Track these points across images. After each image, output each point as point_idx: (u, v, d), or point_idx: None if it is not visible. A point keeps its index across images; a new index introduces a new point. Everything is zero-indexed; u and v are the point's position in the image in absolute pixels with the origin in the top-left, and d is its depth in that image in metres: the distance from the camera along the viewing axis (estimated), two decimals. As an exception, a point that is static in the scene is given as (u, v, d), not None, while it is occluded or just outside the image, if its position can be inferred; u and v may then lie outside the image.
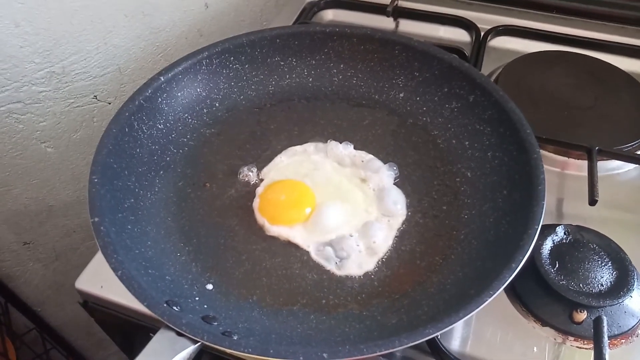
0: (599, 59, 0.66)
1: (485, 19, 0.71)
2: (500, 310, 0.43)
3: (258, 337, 0.36)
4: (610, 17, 0.71)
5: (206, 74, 0.55)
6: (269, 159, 0.52)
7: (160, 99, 0.52)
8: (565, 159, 0.55)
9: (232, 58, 0.56)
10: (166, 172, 0.50)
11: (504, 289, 0.35)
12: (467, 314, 0.34)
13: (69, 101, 0.69)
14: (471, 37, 0.70)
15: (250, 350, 0.32)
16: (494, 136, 0.49)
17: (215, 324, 0.37)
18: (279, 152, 0.53)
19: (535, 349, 0.41)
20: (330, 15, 0.76)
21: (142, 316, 0.44)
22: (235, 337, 0.34)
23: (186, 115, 0.54)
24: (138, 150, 0.49)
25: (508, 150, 0.47)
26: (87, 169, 0.42)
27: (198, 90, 0.55)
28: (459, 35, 0.72)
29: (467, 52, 0.67)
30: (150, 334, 0.34)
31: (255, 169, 0.51)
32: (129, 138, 0.48)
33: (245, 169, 0.51)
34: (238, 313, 0.39)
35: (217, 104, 0.56)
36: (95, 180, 0.41)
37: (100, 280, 0.46)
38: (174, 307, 0.36)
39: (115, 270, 0.36)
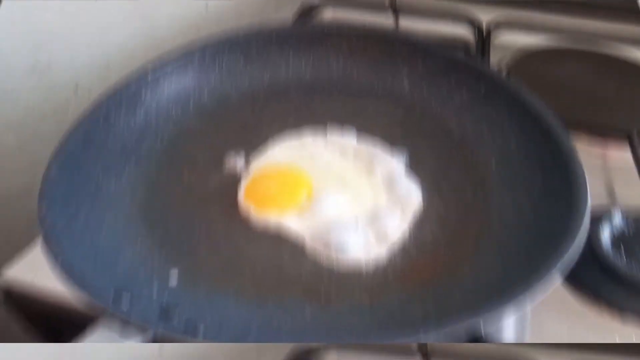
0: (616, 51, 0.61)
1: (489, 13, 0.68)
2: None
3: (233, 328, 0.28)
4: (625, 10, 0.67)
5: (196, 66, 0.51)
6: (262, 149, 0.46)
7: (144, 91, 0.48)
8: (600, 149, 0.49)
9: (225, 52, 0.52)
10: (141, 161, 0.44)
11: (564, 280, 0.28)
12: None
13: (48, 94, 0.65)
14: (474, 31, 0.67)
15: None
16: (514, 125, 0.44)
17: (176, 314, 0.29)
18: (273, 141, 0.47)
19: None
20: (330, 12, 0.74)
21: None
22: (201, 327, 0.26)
23: (171, 105, 0.49)
24: (111, 138, 0.44)
25: (532, 139, 0.42)
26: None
27: (186, 81, 0.50)
28: (463, 30, 0.69)
29: (472, 47, 0.63)
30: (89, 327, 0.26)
31: (244, 158, 0.45)
32: (103, 126, 0.44)
33: (235, 158, 0.45)
34: (209, 304, 0.31)
35: (206, 96, 0.51)
36: (54, 164, 0.38)
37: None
38: (124, 295, 0.28)
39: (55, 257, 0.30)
